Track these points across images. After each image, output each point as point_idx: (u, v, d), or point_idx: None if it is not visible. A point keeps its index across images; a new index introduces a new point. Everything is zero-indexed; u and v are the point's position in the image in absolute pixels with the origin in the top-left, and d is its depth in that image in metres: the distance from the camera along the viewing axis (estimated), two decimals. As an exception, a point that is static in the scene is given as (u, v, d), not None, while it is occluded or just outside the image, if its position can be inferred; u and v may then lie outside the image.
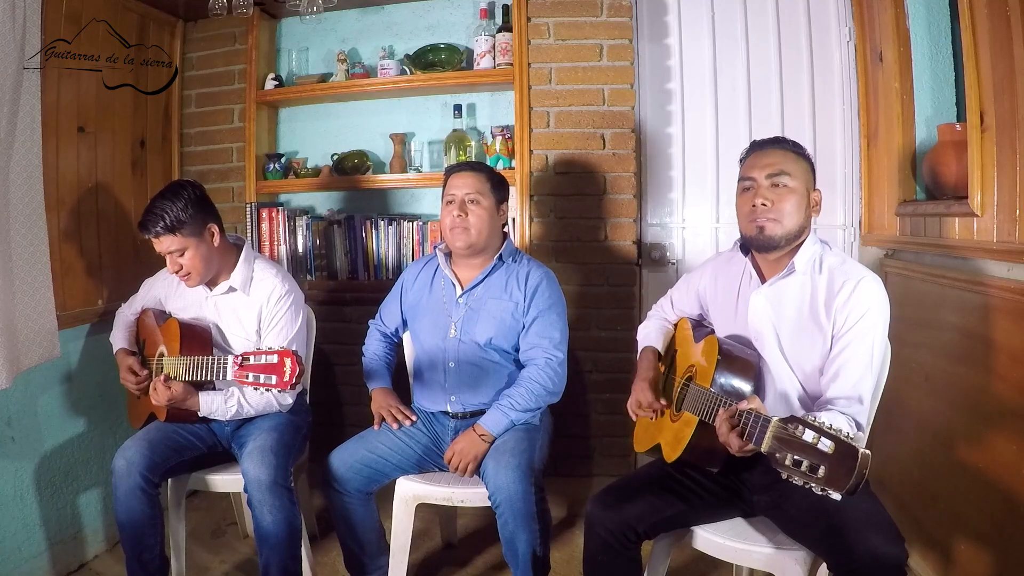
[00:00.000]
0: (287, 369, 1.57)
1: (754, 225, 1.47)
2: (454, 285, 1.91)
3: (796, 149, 1.50)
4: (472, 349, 1.87)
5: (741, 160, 1.56)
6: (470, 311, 1.88)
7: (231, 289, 1.90)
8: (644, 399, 1.61)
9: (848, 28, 2.42)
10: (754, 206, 1.46)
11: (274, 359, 1.58)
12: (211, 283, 1.91)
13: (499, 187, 1.91)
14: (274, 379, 1.58)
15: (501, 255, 1.90)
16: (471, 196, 1.84)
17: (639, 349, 1.78)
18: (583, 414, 2.58)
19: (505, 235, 1.96)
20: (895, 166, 2.11)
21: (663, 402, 1.59)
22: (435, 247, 1.99)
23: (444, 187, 1.91)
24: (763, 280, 1.53)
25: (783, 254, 1.49)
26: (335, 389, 2.78)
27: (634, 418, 1.67)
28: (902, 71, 2.04)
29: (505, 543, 1.67)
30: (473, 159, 2.57)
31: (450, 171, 1.93)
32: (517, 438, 1.75)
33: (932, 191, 1.98)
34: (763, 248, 1.49)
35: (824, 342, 1.42)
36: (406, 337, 2.09)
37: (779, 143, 1.51)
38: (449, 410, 1.90)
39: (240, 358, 1.62)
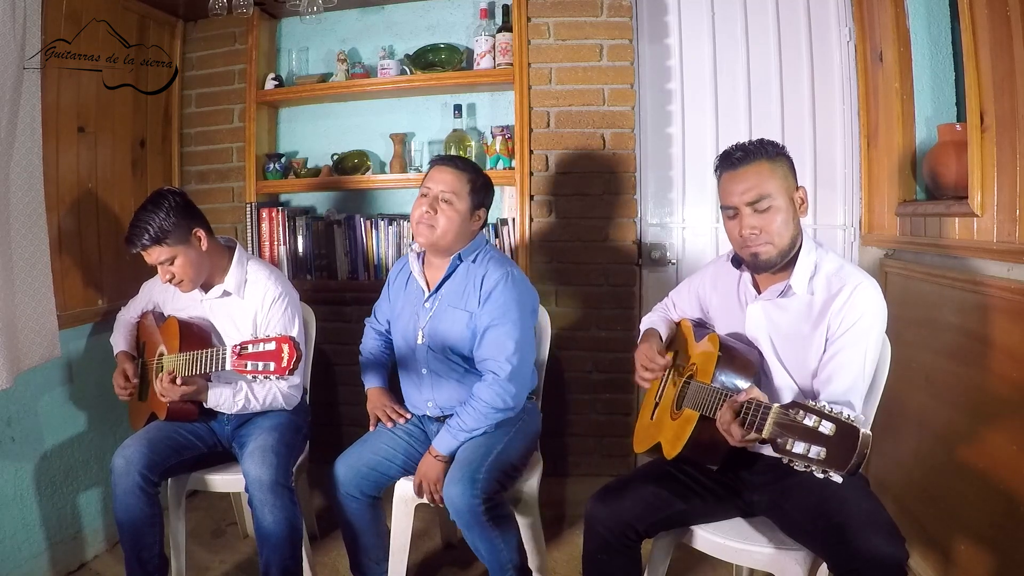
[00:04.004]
0: (284, 355, 1.57)
1: (748, 252, 1.46)
2: (422, 289, 1.88)
3: (768, 154, 1.44)
4: (439, 357, 1.83)
5: (716, 173, 1.52)
6: (433, 318, 1.84)
7: (225, 293, 1.90)
8: (648, 353, 1.60)
9: (848, 28, 2.41)
10: (743, 235, 1.45)
11: (272, 346, 1.60)
12: (204, 286, 1.91)
13: (480, 191, 1.82)
14: (272, 365, 1.59)
15: (460, 255, 1.82)
16: (445, 195, 1.76)
17: (641, 334, 1.76)
18: (583, 414, 2.57)
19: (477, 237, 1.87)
20: (895, 166, 2.11)
21: (667, 355, 1.58)
22: (409, 246, 1.94)
23: (425, 176, 1.83)
24: (759, 291, 1.53)
25: (780, 267, 1.49)
26: (335, 389, 2.77)
27: (644, 385, 1.62)
28: (902, 71, 2.04)
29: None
30: (473, 159, 2.57)
31: (434, 162, 1.85)
32: (475, 445, 1.71)
33: (932, 191, 1.98)
34: (762, 270, 1.49)
35: (820, 347, 1.43)
36: (396, 337, 2.08)
37: (749, 156, 1.44)
38: (429, 414, 1.89)
39: (239, 347, 1.63)
